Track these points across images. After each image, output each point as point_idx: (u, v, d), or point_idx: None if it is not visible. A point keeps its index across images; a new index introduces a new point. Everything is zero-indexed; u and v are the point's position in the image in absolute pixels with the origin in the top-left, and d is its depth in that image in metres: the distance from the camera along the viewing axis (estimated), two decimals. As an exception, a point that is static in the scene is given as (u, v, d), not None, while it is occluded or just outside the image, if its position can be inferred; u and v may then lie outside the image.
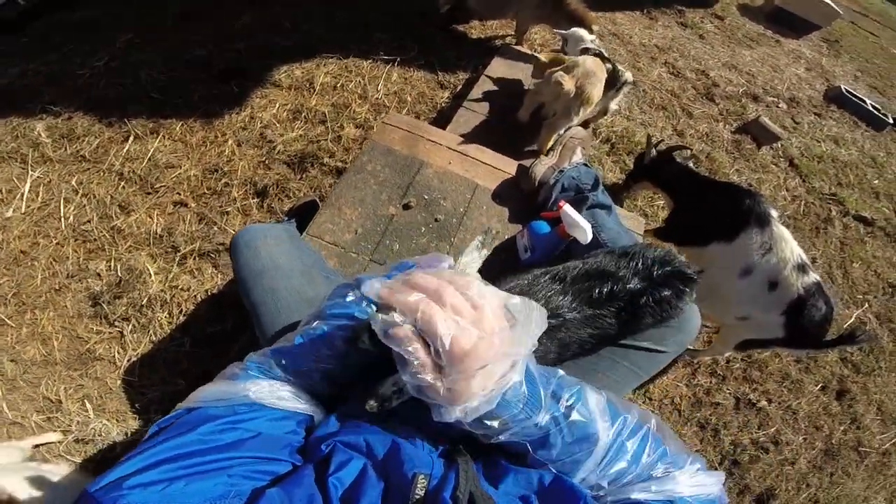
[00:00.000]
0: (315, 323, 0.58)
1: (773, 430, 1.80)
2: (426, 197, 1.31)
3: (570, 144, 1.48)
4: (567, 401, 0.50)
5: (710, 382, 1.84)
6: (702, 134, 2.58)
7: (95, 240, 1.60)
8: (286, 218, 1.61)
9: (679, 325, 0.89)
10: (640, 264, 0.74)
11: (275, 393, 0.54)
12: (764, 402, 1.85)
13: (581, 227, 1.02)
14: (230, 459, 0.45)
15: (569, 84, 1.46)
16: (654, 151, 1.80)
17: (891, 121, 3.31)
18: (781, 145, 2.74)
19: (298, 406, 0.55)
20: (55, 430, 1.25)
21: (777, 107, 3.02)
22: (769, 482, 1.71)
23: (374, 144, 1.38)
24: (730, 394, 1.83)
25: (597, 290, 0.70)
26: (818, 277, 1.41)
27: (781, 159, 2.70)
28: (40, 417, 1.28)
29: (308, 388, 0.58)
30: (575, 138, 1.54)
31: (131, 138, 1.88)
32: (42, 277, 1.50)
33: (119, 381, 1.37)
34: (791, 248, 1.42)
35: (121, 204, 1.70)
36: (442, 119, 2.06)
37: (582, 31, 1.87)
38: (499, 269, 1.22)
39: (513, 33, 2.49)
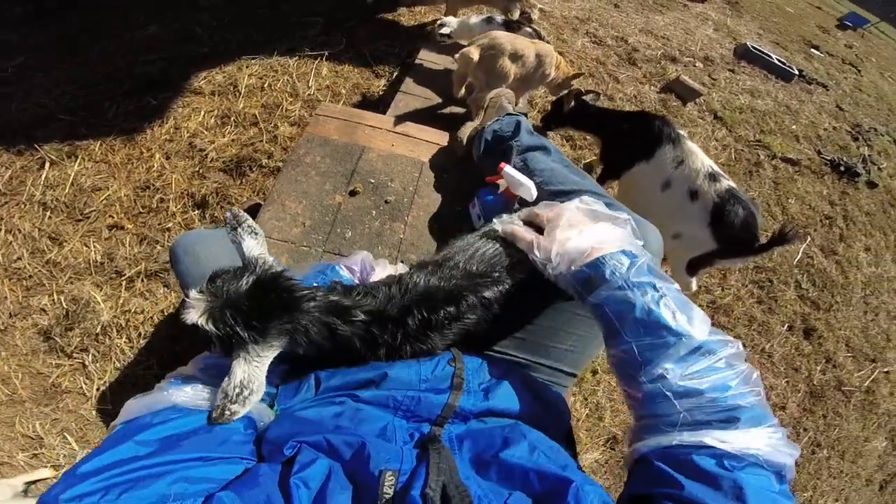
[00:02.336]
0: None
1: (753, 375, 1.88)
2: (372, 181, 1.30)
3: (493, 103, 1.47)
4: (661, 291, 0.54)
5: (684, 333, 1.91)
6: (630, 96, 2.72)
7: (31, 276, 1.49)
8: (230, 225, 1.53)
9: None
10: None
11: (198, 395, 0.53)
12: (739, 348, 1.93)
13: (525, 185, 1.04)
14: (169, 464, 0.43)
15: (475, 54, 1.53)
16: (572, 102, 1.88)
17: (796, 72, 3.62)
18: (704, 100, 2.93)
19: None
20: (45, 467, 1.22)
21: (694, 66, 3.22)
22: (764, 429, 1.78)
23: (309, 136, 1.34)
24: (704, 343, 1.91)
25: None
26: (731, 184, 1.49)
27: (706, 113, 2.89)
28: (26, 455, 1.23)
29: None
30: (499, 96, 1.53)
31: (47, 164, 1.73)
32: (-17, 320, 1.38)
33: (94, 412, 1.31)
34: (701, 159, 1.53)
35: (51, 235, 1.58)
36: (381, 107, 2.03)
37: (446, 19, 2.04)
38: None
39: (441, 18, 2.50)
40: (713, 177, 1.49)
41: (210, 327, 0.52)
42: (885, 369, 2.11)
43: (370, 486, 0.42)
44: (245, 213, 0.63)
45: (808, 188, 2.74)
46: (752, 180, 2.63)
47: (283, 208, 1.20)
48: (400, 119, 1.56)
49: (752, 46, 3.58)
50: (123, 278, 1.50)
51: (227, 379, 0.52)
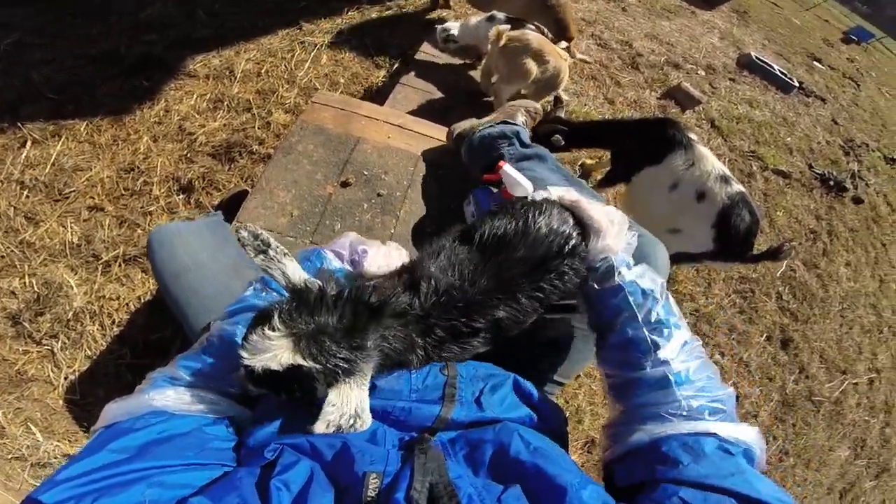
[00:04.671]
0: (216, 325, 0.61)
1: (730, 383, 1.86)
2: (365, 173, 1.26)
3: (508, 110, 1.46)
4: (661, 292, 0.64)
5: (666, 339, 1.90)
6: (630, 101, 2.69)
7: (3, 257, 1.43)
8: (214, 211, 1.49)
9: None
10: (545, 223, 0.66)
11: (181, 399, 0.52)
12: (717, 356, 1.93)
13: (522, 185, 1.00)
14: (145, 470, 0.43)
15: (503, 37, 1.52)
16: (560, 140, 1.63)
17: (797, 84, 3.63)
18: (703, 108, 2.91)
19: (207, 409, 0.53)
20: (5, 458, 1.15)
21: (696, 73, 3.21)
22: (735, 438, 1.80)
23: (303, 124, 1.30)
24: (684, 349, 1.90)
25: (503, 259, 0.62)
26: (742, 188, 1.49)
27: (704, 121, 2.87)
28: (-15, 445, 1.15)
29: (221, 391, 0.56)
30: (516, 105, 1.52)
31: (29, 143, 1.68)
32: (-50, 303, 1.32)
33: (61, 401, 1.25)
34: (712, 163, 1.51)
35: (26, 215, 1.52)
36: (380, 99, 1.99)
37: (448, 24, 2.02)
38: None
39: (447, 12, 2.49)
40: (725, 179, 1.47)
41: (310, 363, 0.45)
42: (854, 381, 2.15)
43: (353, 488, 0.41)
44: (265, 232, 0.53)
45: (796, 201, 2.75)
46: (742, 191, 2.63)
47: (270, 196, 1.16)
48: (397, 111, 1.53)
49: (756, 57, 3.57)
50: (100, 262, 1.45)
51: (331, 409, 0.45)
